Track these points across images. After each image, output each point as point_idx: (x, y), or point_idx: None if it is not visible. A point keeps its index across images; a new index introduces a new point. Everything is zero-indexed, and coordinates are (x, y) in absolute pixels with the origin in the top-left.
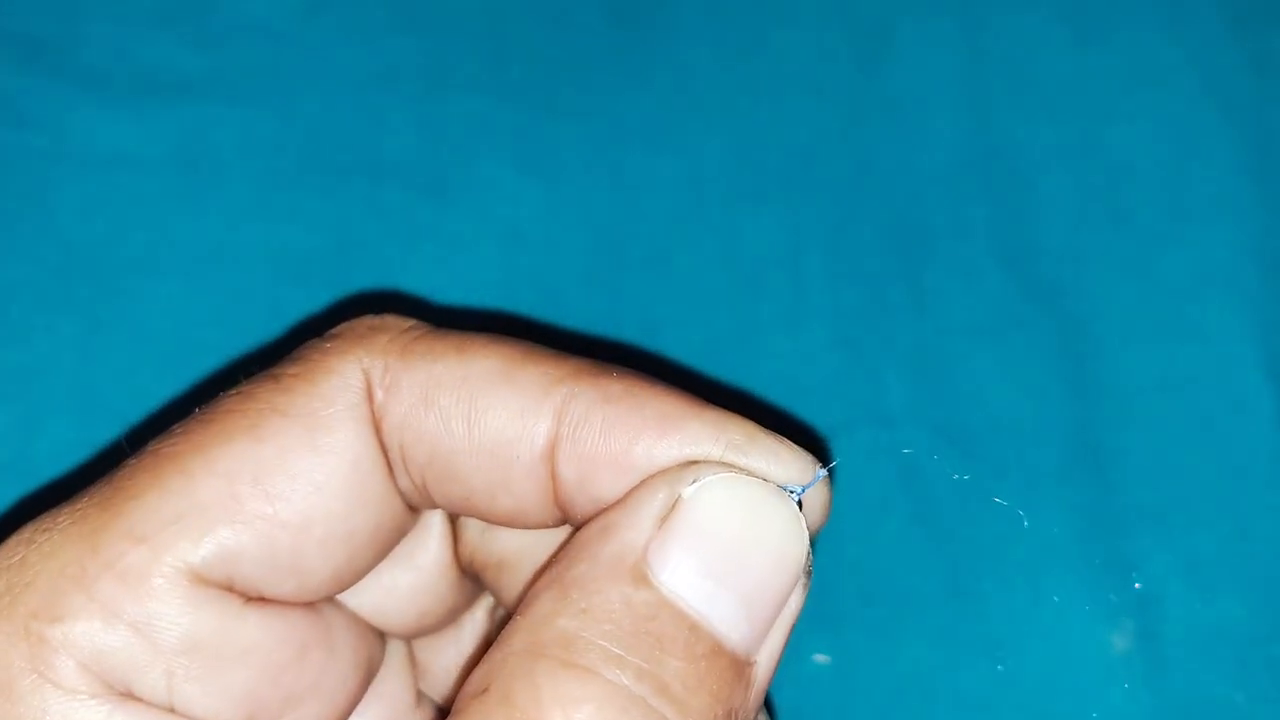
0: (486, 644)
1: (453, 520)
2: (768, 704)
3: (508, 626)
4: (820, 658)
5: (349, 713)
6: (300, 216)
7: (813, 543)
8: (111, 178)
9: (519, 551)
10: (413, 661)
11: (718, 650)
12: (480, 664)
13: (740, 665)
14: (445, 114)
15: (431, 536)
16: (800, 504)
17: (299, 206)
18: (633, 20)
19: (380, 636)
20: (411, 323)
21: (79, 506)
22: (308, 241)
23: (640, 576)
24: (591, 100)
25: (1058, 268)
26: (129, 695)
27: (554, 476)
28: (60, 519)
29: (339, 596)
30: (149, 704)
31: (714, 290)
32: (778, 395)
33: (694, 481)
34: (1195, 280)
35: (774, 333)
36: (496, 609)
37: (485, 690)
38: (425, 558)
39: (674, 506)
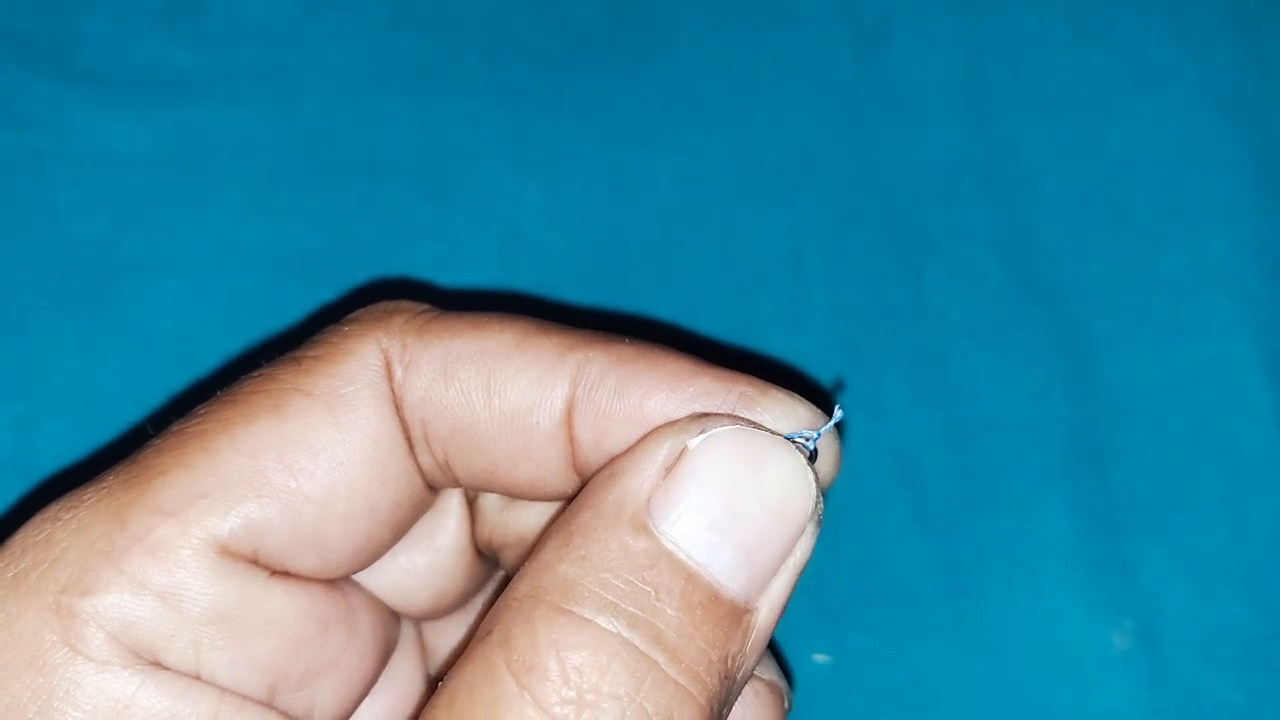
0: None
1: (470, 502)
2: (774, 650)
3: (517, 574)
4: (820, 658)
5: (365, 692)
6: (300, 216)
7: (825, 495)
8: (111, 178)
9: (538, 529)
10: (423, 646)
11: (715, 600)
12: (491, 610)
13: (738, 614)
14: (445, 114)
15: (449, 518)
16: (815, 455)
17: (299, 206)
18: (633, 19)
19: (396, 618)
20: (425, 306)
21: (104, 485)
22: (308, 241)
23: (640, 525)
24: (591, 100)
25: (1058, 268)
26: (158, 665)
27: (572, 440)
28: (86, 497)
29: (358, 576)
30: (177, 673)
31: (714, 290)
32: None
33: (701, 433)
34: (1195, 280)
35: (774, 333)
36: None
37: (489, 634)
38: (443, 539)
39: (679, 457)
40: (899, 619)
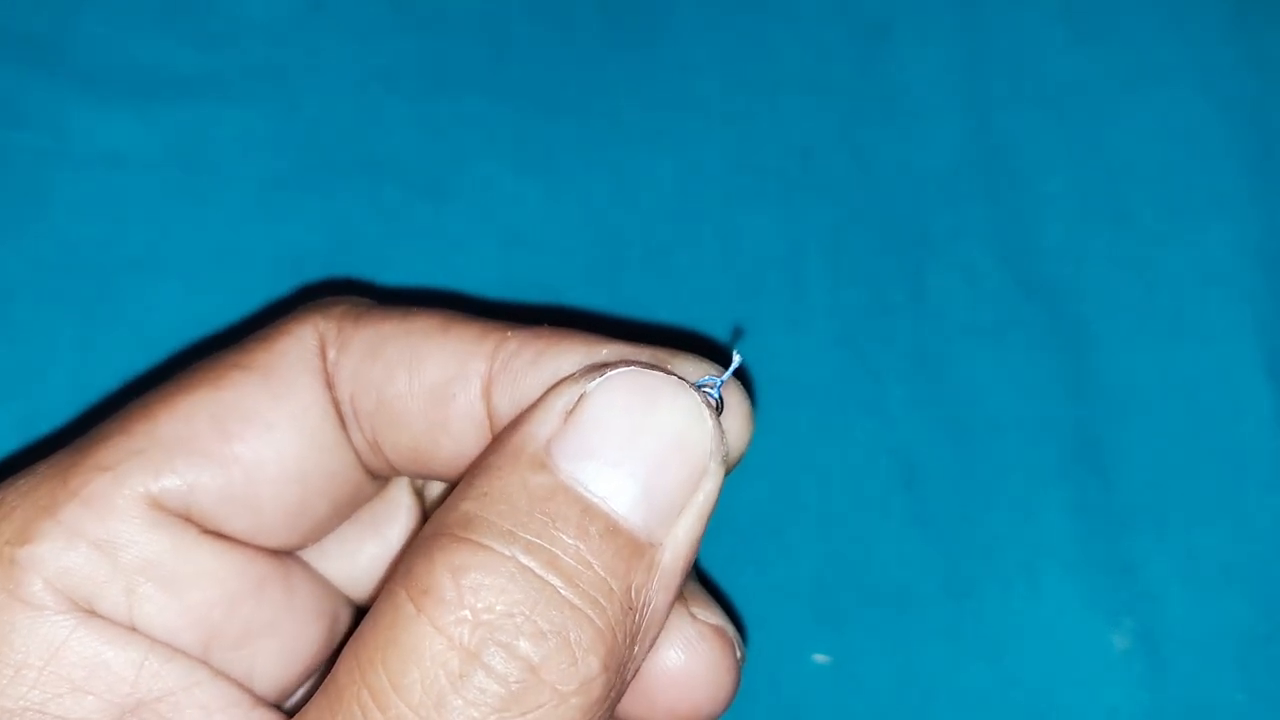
0: None
1: (419, 495)
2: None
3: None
4: (820, 658)
5: (310, 665)
6: (300, 216)
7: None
8: (111, 177)
9: None
10: None
11: (612, 529)
12: None
13: (639, 547)
14: (445, 114)
15: (400, 510)
16: (721, 407)
17: (299, 206)
18: (632, 19)
19: (349, 604)
20: (368, 300)
21: (56, 456)
22: (308, 241)
23: (539, 463)
24: (591, 100)
25: (1058, 268)
26: (92, 613)
27: (491, 415)
28: (39, 467)
29: (310, 559)
30: (111, 621)
31: (714, 290)
32: (778, 395)
33: (599, 377)
34: (1195, 280)
35: (774, 333)
36: None
37: (395, 572)
38: (393, 531)
39: (578, 401)
40: (899, 619)
